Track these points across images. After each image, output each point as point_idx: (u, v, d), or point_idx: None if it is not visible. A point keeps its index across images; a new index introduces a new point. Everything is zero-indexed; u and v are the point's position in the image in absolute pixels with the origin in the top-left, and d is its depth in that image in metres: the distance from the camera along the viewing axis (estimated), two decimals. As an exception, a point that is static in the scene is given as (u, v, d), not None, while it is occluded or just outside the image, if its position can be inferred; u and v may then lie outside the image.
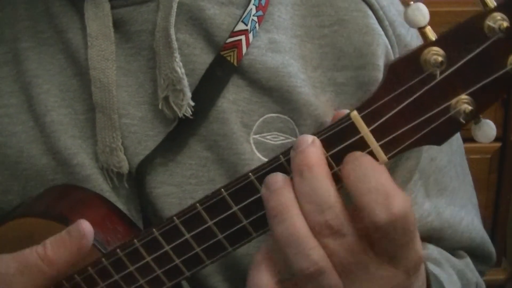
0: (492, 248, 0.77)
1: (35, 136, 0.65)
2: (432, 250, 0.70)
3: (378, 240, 0.48)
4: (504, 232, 1.89)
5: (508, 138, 1.82)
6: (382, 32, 0.65)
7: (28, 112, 0.66)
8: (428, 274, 0.57)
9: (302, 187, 0.49)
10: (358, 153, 0.49)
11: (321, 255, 0.49)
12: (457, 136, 0.74)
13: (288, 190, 0.49)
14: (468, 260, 0.74)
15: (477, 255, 0.76)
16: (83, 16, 0.64)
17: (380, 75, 0.64)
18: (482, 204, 1.82)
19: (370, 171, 0.48)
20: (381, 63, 0.64)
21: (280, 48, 0.64)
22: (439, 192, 0.71)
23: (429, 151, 0.69)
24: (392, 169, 0.67)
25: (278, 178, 0.50)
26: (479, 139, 0.50)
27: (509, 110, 1.79)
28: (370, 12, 0.66)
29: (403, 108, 0.48)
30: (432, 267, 0.65)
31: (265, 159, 0.61)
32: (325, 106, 0.64)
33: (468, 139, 1.84)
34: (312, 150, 0.49)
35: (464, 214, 0.73)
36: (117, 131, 0.64)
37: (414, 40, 0.67)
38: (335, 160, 0.50)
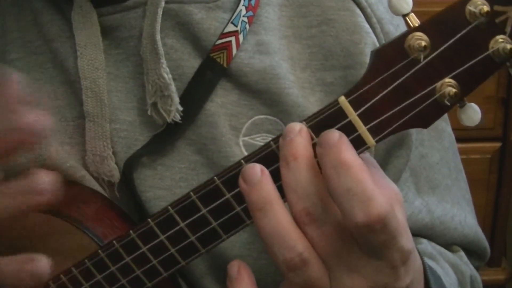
0: (486, 244, 0.77)
1: None
2: (426, 245, 0.70)
3: (358, 237, 0.48)
4: (504, 232, 1.89)
5: (508, 138, 1.82)
6: (370, 30, 0.65)
7: None
8: (426, 268, 0.56)
9: (287, 176, 0.49)
10: (338, 144, 0.48)
11: (305, 245, 0.49)
12: (449, 133, 0.74)
13: (267, 182, 0.50)
14: (461, 253, 0.74)
15: (471, 251, 0.76)
16: (71, 24, 0.64)
17: None
18: (482, 204, 1.83)
19: (350, 170, 0.47)
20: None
21: (269, 49, 0.65)
22: (431, 189, 0.72)
23: (419, 148, 0.70)
24: (382, 167, 0.67)
25: (255, 171, 0.50)
26: (464, 123, 0.51)
27: (509, 110, 1.79)
28: (358, 11, 0.66)
29: (389, 92, 0.50)
30: (428, 262, 0.66)
31: None
32: (314, 106, 0.64)
33: (468, 139, 1.84)
34: (298, 140, 0.49)
35: (456, 211, 0.73)
36: (108, 140, 0.64)
37: None
38: None
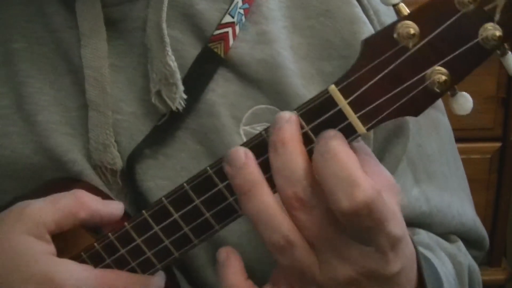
0: (484, 233, 0.78)
1: (26, 135, 0.66)
2: (423, 236, 0.71)
3: (345, 223, 0.49)
4: (504, 232, 1.88)
5: (508, 138, 1.82)
6: (367, 21, 0.66)
7: (18, 112, 0.66)
8: (419, 256, 0.57)
9: (276, 161, 0.50)
10: (328, 134, 0.49)
11: (290, 228, 0.50)
12: (446, 123, 0.75)
13: (252, 165, 0.50)
14: (460, 243, 0.74)
15: (469, 239, 0.76)
16: (75, 14, 0.64)
17: None
18: (482, 204, 1.82)
19: (336, 156, 0.48)
20: None
21: (270, 39, 0.65)
22: (429, 178, 0.72)
23: (416, 138, 0.70)
24: (379, 156, 0.67)
25: (239, 154, 0.51)
26: (456, 112, 0.52)
27: (509, 110, 1.79)
28: (354, 1, 0.66)
29: (379, 79, 0.50)
30: (423, 252, 0.66)
31: None
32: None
33: (468, 139, 1.84)
34: (287, 127, 0.50)
35: (454, 199, 0.74)
36: (110, 128, 0.64)
37: None
38: (316, 133, 0.52)
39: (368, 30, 0.66)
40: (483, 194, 1.83)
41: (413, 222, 0.71)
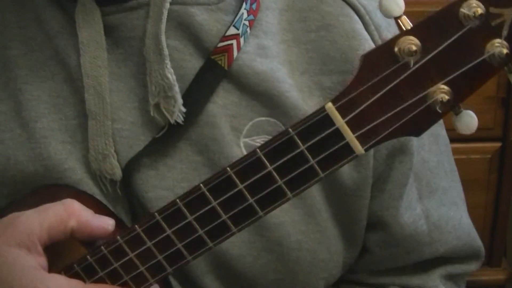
0: (479, 243, 0.77)
1: (22, 143, 0.65)
2: None
3: None
4: (504, 232, 1.87)
5: (508, 138, 1.81)
6: (368, 37, 0.65)
7: (15, 119, 0.66)
8: None
9: None
10: None
11: None
12: (444, 136, 0.74)
13: None
14: None
15: (465, 254, 0.75)
16: (74, 22, 0.64)
17: None
18: (482, 204, 1.81)
19: None
20: None
21: (268, 53, 0.65)
22: (431, 193, 0.71)
23: (421, 153, 0.69)
24: (386, 173, 0.67)
25: None
26: (460, 131, 0.49)
27: (509, 110, 1.78)
28: (356, 17, 0.66)
29: (379, 98, 0.48)
30: None
31: None
32: (313, 110, 0.63)
33: (468, 139, 1.82)
34: None
35: (453, 213, 0.73)
36: (110, 137, 0.64)
37: None
38: (311, 153, 0.50)
39: (369, 46, 0.65)
40: (483, 194, 1.81)
41: (414, 241, 0.70)
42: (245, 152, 0.63)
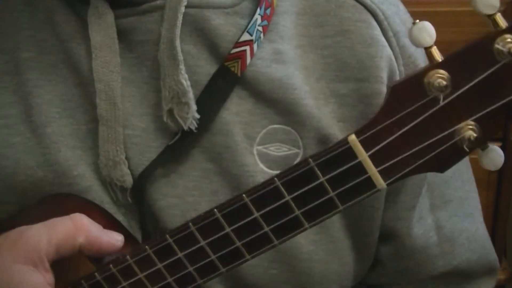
0: (494, 256, 0.76)
1: (32, 147, 0.64)
2: None
3: None
4: (504, 232, 1.87)
5: (508, 138, 1.79)
6: (386, 44, 0.64)
7: (26, 122, 0.65)
8: None
9: None
10: None
11: None
12: None
13: None
14: None
15: (480, 268, 0.74)
16: (86, 25, 0.62)
17: (382, 87, 0.62)
18: (482, 204, 1.79)
19: None
20: (384, 75, 0.62)
21: (284, 59, 0.63)
22: (443, 204, 0.70)
23: None
24: (401, 183, 0.64)
25: None
26: (484, 166, 0.48)
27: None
28: (374, 23, 0.64)
29: (404, 133, 0.46)
30: None
31: (269, 170, 0.61)
32: (328, 117, 0.63)
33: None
34: None
35: (467, 224, 0.72)
36: (121, 144, 0.63)
37: (418, 51, 0.65)
38: (331, 185, 0.48)
39: (386, 53, 0.63)
40: (483, 194, 1.80)
41: (424, 252, 0.69)
42: (258, 160, 0.62)
